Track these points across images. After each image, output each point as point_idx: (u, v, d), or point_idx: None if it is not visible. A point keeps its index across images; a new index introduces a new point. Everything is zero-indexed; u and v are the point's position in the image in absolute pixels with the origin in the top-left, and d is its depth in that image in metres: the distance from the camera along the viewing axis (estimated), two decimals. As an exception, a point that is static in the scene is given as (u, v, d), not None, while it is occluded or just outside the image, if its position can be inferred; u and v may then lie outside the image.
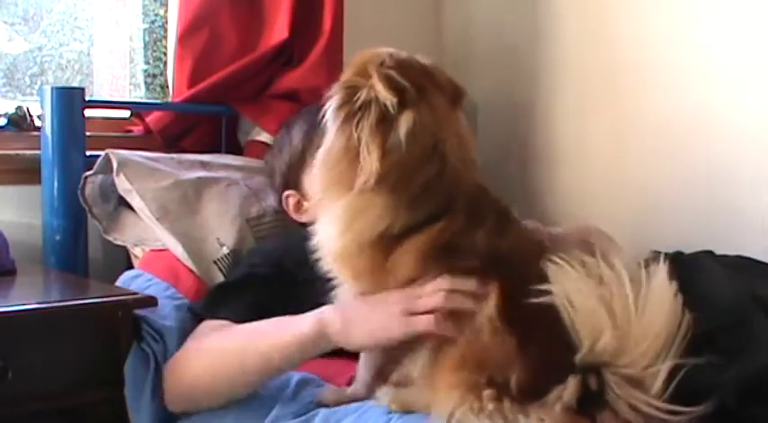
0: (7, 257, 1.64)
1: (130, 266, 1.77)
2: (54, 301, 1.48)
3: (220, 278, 1.63)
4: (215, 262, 1.66)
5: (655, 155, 2.02)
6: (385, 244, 1.21)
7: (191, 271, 1.65)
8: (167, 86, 2.10)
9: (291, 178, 1.70)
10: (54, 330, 1.40)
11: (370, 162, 1.17)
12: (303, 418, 1.26)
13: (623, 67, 2.08)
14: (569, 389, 1.07)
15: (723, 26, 1.91)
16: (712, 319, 1.13)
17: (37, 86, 2.05)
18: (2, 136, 1.85)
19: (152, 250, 1.72)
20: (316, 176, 1.31)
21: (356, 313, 1.23)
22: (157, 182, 1.74)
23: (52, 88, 1.75)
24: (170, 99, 2.04)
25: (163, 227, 1.68)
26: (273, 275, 1.51)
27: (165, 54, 2.13)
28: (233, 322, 1.42)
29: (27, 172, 1.81)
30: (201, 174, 1.80)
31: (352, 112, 1.20)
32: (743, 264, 1.58)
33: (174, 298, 1.59)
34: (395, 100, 1.17)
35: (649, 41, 2.03)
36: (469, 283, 1.17)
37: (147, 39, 2.14)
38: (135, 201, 1.72)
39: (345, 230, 1.22)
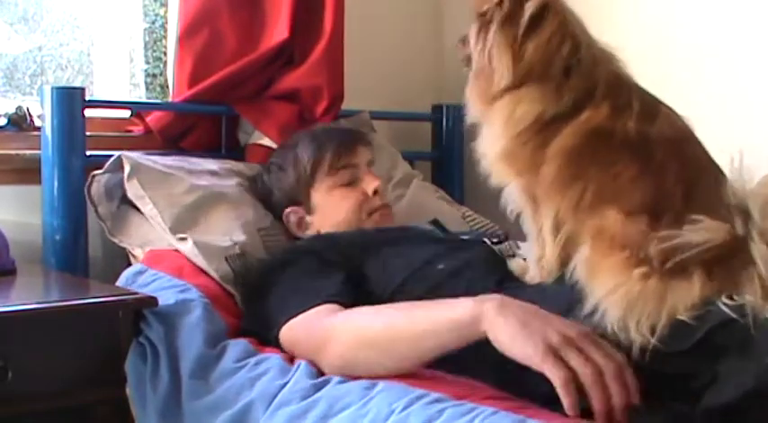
0: (7, 257, 1.64)
1: (130, 267, 1.76)
2: (54, 301, 1.48)
3: (230, 275, 1.61)
4: (226, 258, 1.63)
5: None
6: (539, 135, 1.28)
7: (196, 268, 1.63)
8: (167, 86, 2.10)
9: (296, 195, 1.73)
10: (54, 330, 1.39)
11: (502, 64, 1.28)
12: (308, 401, 1.24)
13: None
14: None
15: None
16: (709, 316, 1.12)
17: (37, 86, 2.05)
18: (2, 136, 1.85)
19: (154, 250, 1.71)
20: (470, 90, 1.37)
21: (511, 316, 1.16)
22: (171, 188, 1.74)
23: (52, 88, 1.75)
24: (170, 99, 2.04)
25: (175, 236, 1.67)
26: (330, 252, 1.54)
27: (165, 54, 2.14)
28: (336, 302, 1.38)
29: (27, 172, 1.81)
30: (214, 182, 1.81)
31: (483, 24, 1.32)
32: None
33: (179, 288, 1.55)
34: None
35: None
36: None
37: (147, 39, 2.15)
38: (147, 207, 1.71)
39: (503, 131, 1.30)
